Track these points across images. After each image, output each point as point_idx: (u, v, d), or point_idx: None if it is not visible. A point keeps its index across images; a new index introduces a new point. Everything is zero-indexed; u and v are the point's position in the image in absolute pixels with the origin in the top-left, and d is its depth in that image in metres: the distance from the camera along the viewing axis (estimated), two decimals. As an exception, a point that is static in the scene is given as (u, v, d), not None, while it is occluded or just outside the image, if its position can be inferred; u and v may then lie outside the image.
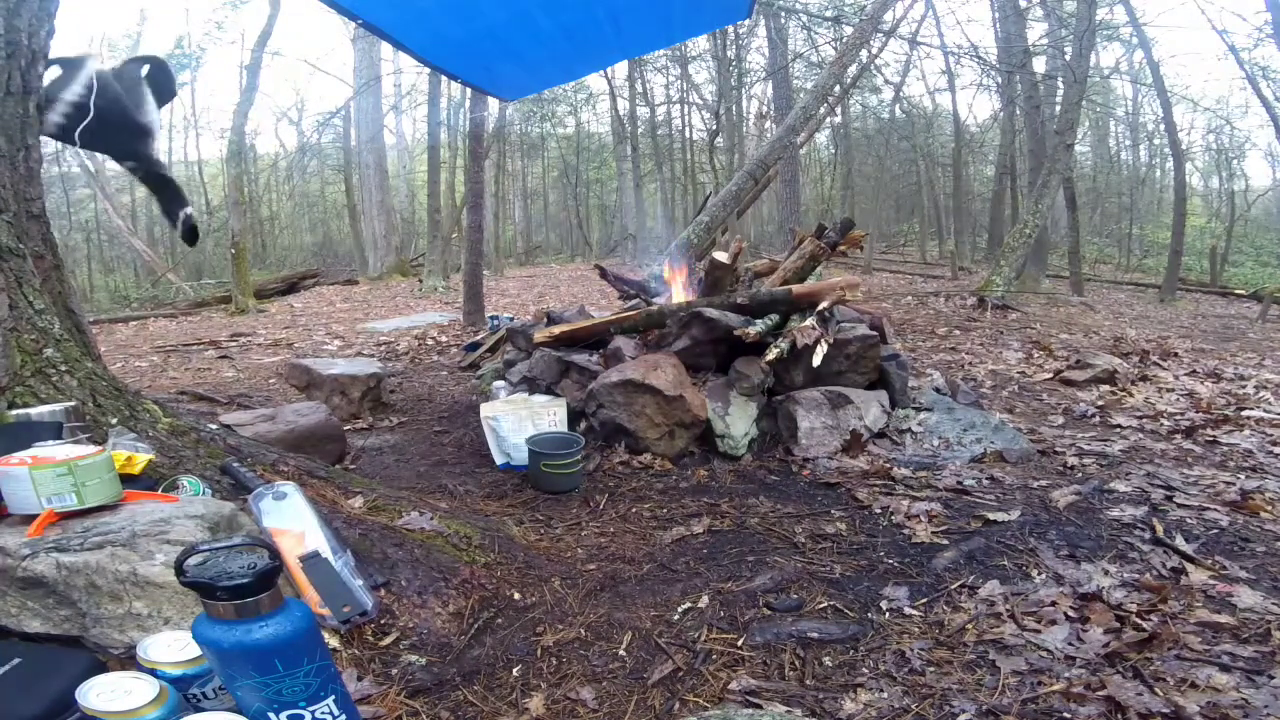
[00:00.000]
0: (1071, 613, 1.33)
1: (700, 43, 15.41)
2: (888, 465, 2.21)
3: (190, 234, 2.61)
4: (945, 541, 1.67)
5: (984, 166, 19.07)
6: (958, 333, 5.30)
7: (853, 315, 2.95)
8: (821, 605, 1.41)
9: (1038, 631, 1.27)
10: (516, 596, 1.48)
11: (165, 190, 2.56)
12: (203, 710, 0.91)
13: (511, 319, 4.91)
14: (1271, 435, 2.61)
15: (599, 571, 1.61)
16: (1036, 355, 4.37)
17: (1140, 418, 2.87)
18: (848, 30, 8.56)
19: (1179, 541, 1.61)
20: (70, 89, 1.98)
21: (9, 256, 1.45)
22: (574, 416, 2.54)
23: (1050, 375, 3.71)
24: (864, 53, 11.06)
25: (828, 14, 12.00)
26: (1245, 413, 2.95)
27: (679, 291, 3.41)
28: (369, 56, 13.21)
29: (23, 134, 1.59)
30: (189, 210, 2.57)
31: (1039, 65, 10.99)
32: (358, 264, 14.71)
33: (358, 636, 1.26)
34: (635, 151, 17.17)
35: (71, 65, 1.92)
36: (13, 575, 1.03)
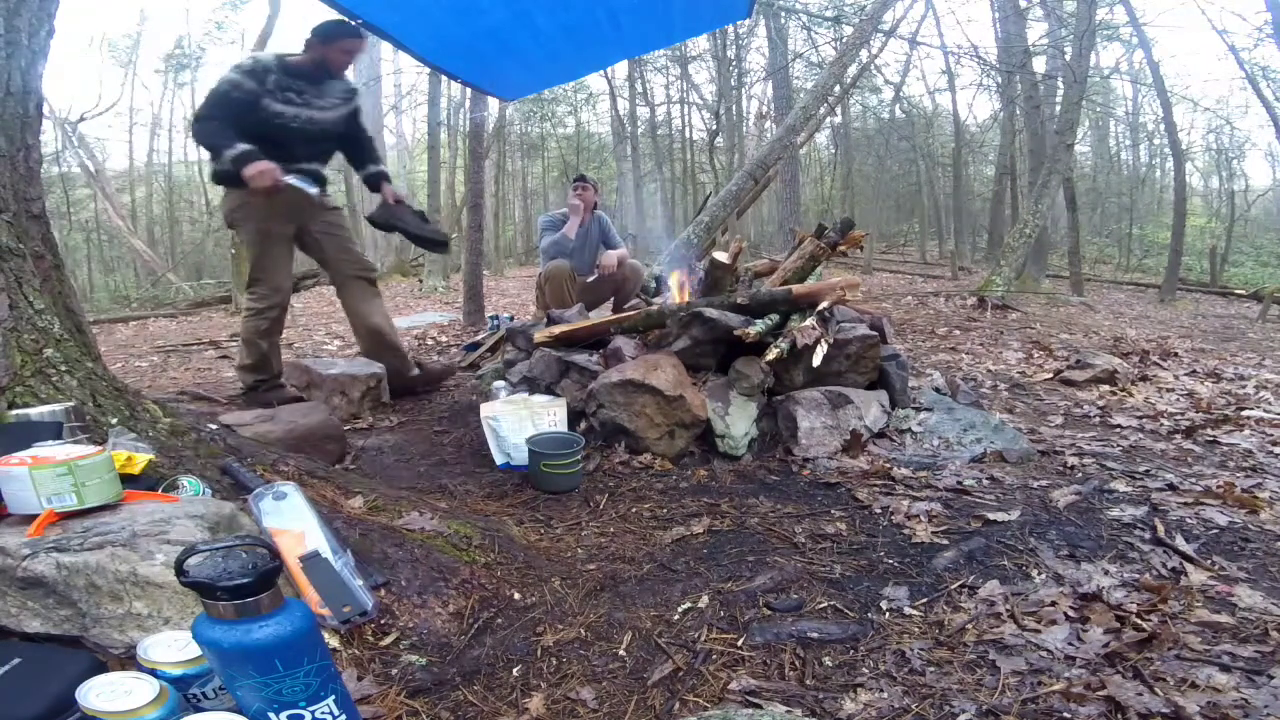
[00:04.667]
0: (1071, 613, 1.33)
1: (700, 43, 15.42)
2: (888, 465, 2.21)
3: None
4: (945, 541, 1.67)
5: (984, 166, 19.08)
6: (958, 333, 5.30)
7: (853, 315, 2.95)
8: (821, 605, 1.41)
9: (1038, 631, 1.27)
10: (516, 596, 1.48)
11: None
12: (203, 710, 0.91)
13: (511, 319, 4.91)
14: (1271, 435, 2.61)
15: (599, 571, 1.61)
16: (1036, 355, 4.37)
17: (1140, 418, 2.87)
18: (848, 30, 8.56)
19: (1179, 541, 1.61)
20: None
21: (9, 256, 1.45)
22: (574, 416, 2.54)
23: (1050, 375, 3.71)
24: (864, 53, 11.06)
25: (828, 14, 12.00)
26: (1245, 413, 2.95)
27: (679, 292, 3.42)
28: (369, 56, 13.21)
29: (23, 134, 1.59)
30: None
31: (1039, 65, 11.00)
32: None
33: (358, 636, 1.26)
34: (635, 151, 17.17)
35: None
36: (13, 575, 1.03)
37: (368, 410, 3.10)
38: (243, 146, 2.68)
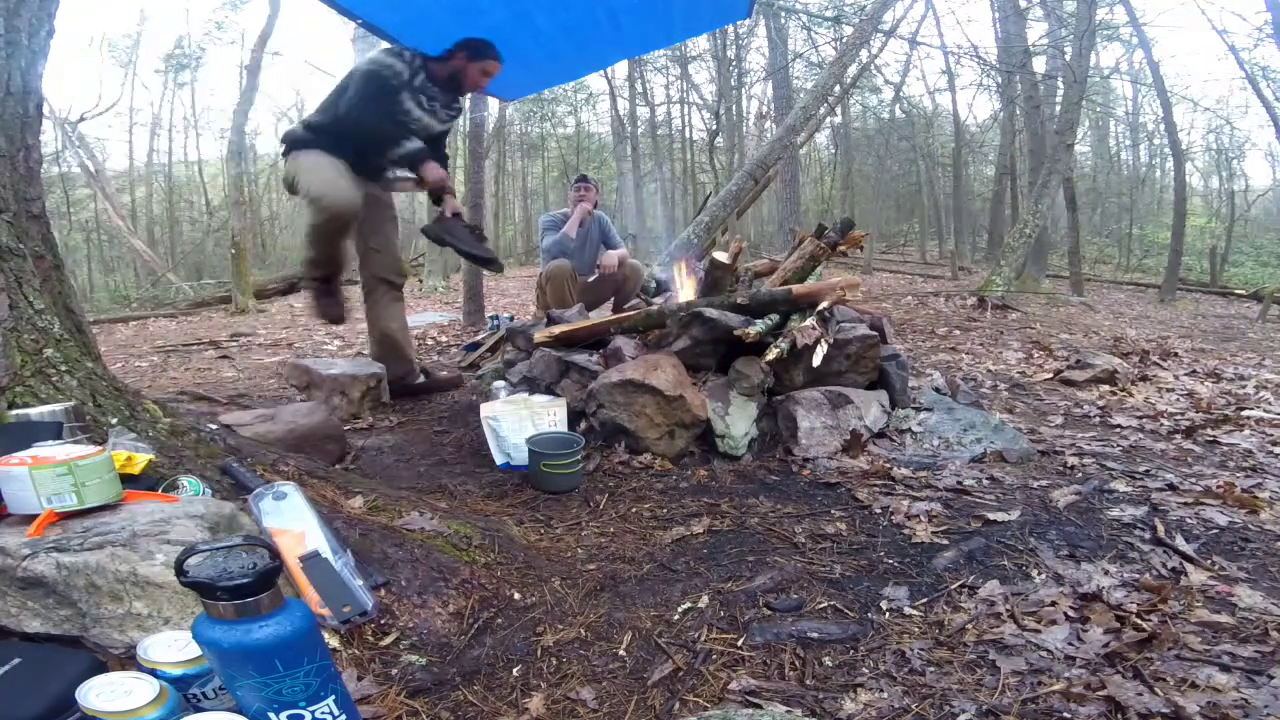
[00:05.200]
0: (1071, 613, 1.33)
1: (700, 43, 15.43)
2: (888, 465, 2.21)
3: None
4: (945, 541, 1.67)
5: (984, 166, 19.10)
6: (958, 333, 5.30)
7: (853, 315, 2.95)
8: (821, 605, 1.41)
9: (1038, 631, 1.27)
10: (516, 596, 1.48)
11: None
12: (203, 710, 0.91)
13: (511, 319, 4.91)
14: (1271, 435, 2.61)
15: (599, 571, 1.61)
16: (1036, 355, 4.37)
17: (1140, 418, 2.87)
18: (848, 30, 8.57)
19: (1179, 541, 1.61)
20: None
21: (9, 256, 1.45)
22: (574, 416, 2.54)
23: (1050, 375, 3.71)
24: (864, 53, 11.07)
25: (828, 14, 12.02)
26: (1245, 413, 2.95)
27: (680, 291, 3.42)
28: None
29: (23, 134, 1.59)
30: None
31: (1039, 65, 11.00)
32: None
33: (358, 636, 1.26)
34: (635, 151, 17.17)
35: None
36: (13, 575, 1.03)
37: (368, 410, 3.10)
38: (419, 142, 2.67)
